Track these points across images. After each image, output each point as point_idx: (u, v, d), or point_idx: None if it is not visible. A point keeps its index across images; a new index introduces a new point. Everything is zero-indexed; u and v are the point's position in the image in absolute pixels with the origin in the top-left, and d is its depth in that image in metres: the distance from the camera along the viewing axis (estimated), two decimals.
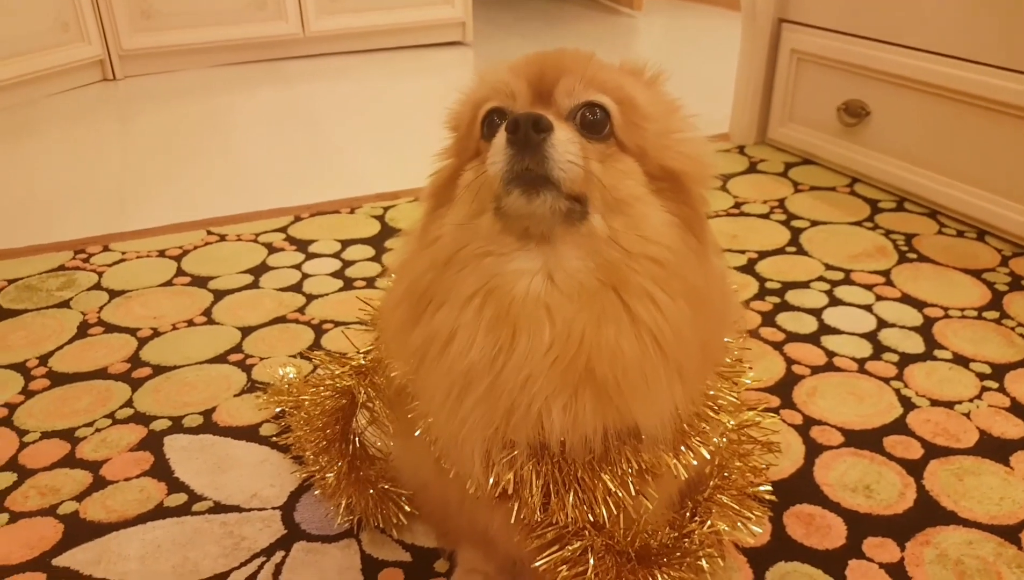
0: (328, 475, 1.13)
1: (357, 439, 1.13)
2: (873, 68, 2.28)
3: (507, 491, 0.81)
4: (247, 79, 3.75)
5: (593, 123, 0.79)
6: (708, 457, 0.84)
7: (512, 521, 0.84)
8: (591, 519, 0.81)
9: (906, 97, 2.22)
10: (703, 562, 0.92)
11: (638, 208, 0.78)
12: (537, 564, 0.86)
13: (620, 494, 0.78)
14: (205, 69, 3.85)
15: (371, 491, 1.13)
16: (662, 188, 0.81)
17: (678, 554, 0.90)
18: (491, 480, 0.80)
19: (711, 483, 0.97)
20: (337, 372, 1.10)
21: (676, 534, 0.93)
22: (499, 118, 0.80)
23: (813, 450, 1.35)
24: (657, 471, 0.80)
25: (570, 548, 0.83)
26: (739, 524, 0.97)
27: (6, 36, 3.23)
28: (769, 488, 1.04)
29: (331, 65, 3.97)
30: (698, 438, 0.83)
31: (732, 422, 0.93)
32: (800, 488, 1.27)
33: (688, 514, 0.96)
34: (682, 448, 0.81)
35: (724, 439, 0.92)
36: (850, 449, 1.36)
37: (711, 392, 0.86)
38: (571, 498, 0.79)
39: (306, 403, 1.15)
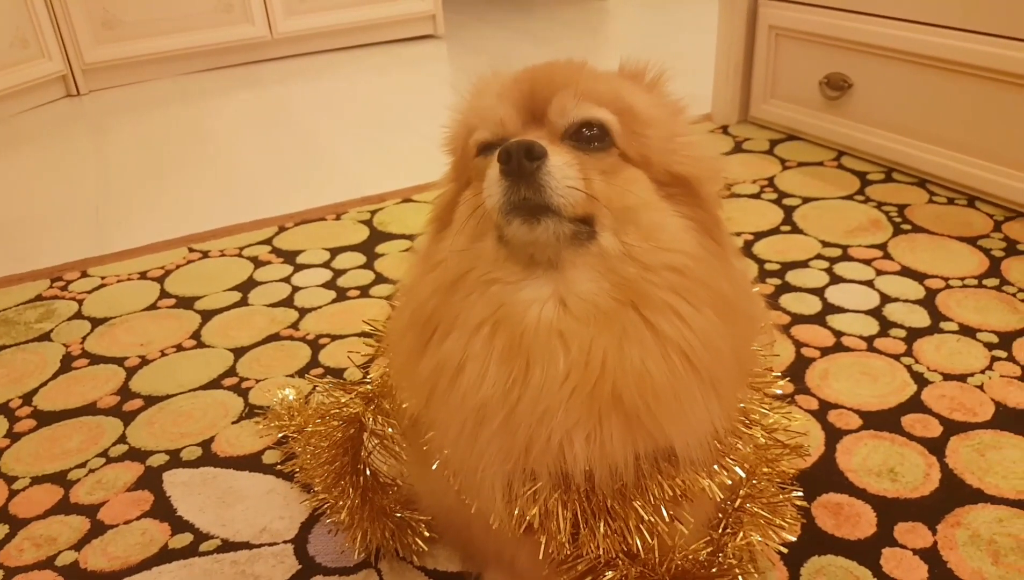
0: (340, 507, 1.08)
1: (368, 469, 1.08)
2: (852, 40, 2.25)
3: (533, 524, 0.77)
4: (217, 86, 3.67)
5: (591, 138, 0.75)
6: (743, 475, 0.80)
7: (540, 556, 0.80)
8: (624, 549, 0.77)
9: (888, 67, 2.19)
10: (740, 579, 0.89)
11: (649, 217, 0.75)
12: None
13: (654, 520, 0.75)
14: (173, 78, 3.77)
15: (387, 522, 1.09)
16: (673, 193, 0.77)
17: (714, 570, 0.87)
18: (515, 514, 0.76)
19: (740, 492, 0.94)
20: (344, 400, 1.05)
21: (710, 549, 0.90)
22: (493, 145, 0.76)
23: (833, 435, 1.33)
24: (691, 494, 0.77)
25: (604, 579, 0.79)
26: (771, 533, 0.93)
27: None
28: (800, 494, 1.01)
29: (303, 66, 3.90)
30: (731, 456, 0.79)
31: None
32: (825, 476, 1.24)
33: (720, 527, 0.92)
34: (715, 467, 0.78)
35: (751, 446, 0.88)
36: (869, 431, 1.33)
37: (741, 405, 0.82)
38: (602, 528, 0.75)
39: (310, 435, 1.10)
